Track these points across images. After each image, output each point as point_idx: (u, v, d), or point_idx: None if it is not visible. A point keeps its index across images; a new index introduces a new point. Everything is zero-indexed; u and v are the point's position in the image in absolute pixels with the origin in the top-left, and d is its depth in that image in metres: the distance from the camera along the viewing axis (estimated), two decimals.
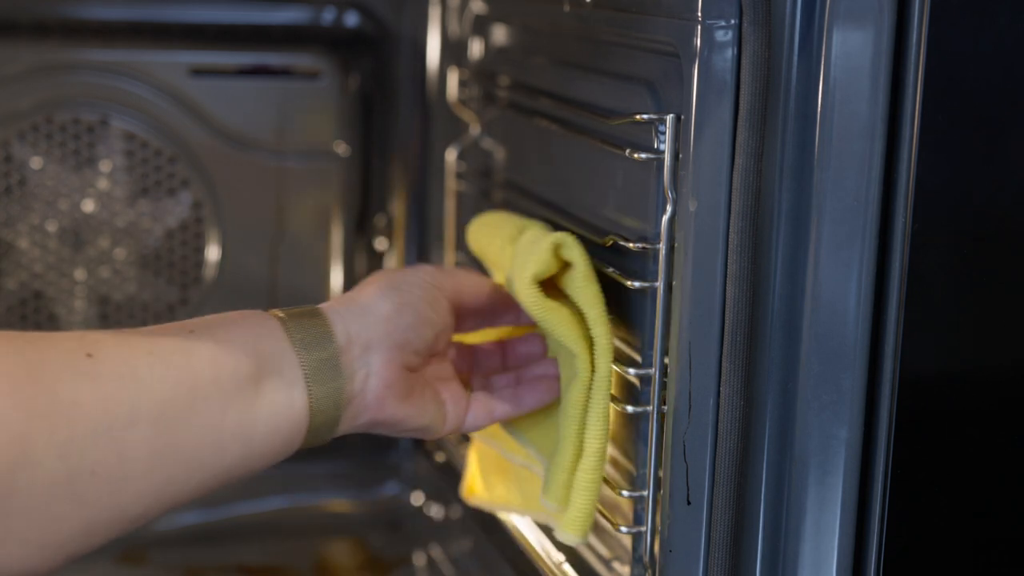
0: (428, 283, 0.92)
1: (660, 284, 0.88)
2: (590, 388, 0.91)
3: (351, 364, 0.87)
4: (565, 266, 0.94)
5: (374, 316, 0.89)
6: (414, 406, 0.91)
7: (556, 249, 0.92)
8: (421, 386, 0.92)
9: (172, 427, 0.80)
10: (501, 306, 0.98)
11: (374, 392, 0.88)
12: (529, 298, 0.91)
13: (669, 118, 0.86)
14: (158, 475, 0.79)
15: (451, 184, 1.32)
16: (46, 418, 0.75)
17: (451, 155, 1.31)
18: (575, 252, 0.92)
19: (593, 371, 0.91)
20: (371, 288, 0.91)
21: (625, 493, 0.93)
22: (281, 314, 0.88)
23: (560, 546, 1.11)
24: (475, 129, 1.28)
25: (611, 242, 0.94)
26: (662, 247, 0.87)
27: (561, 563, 1.09)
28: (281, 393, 0.84)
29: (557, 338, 0.92)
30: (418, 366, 0.92)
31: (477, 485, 1.11)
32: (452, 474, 1.39)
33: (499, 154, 1.25)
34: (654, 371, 0.89)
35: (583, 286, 0.92)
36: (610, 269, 0.94)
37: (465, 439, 1.27)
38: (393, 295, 0.90)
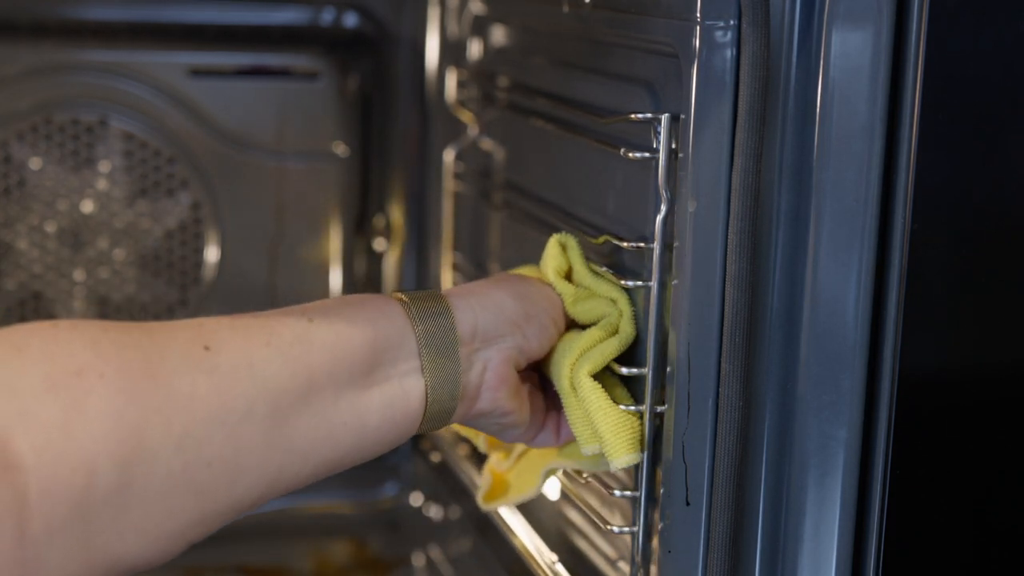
0: (554, 299, 0.94)
1: (654, 283, 0.88)
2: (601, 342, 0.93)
3: (470, 356, 0.88)
4: (571, 268, 0.97)
5: (504, 316, 0.90)
6: (520, 401, 0.92)
7: (561, 245, 0.97)
8: (522, 386, 0.94)
9: (287, 418, 0.80)
10: None
11: (489, 384, 0.89)
12: (557, 284, 0.95)
13: (664, 117, 0.86)
14: (272, 465, 0.80)
15: (449, 185, 1.32)
16: (162, 412, 0.75)
17: (449, 155, 1.30)
18: (575, 253, 0.96)
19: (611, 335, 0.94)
20: (503, 290, 0.92)
21: (616, 493, 0.93)
22: (404, 297, 0.88)
23: (553, 545, 1.11)
24: (473, 130, 1.28)
25: (603, 240, 0.95)
26: (656, 247, 0.88)
27: (553, 563, 1.09)
28: (395, 382, 0.85)
29: (584, 311, 0.94)
30: (521, 370, 0.94)
31: (500, 485, 1.10)
32: (450, 475, 1.39)
33: (498, 155, 1.25)
34: (648, 371, 0.89)
35: (591, 279, 0.95)
36: (603, 268, 0.95)
37: (462, 440, 1.27)
38: (524, 303, 0.92)
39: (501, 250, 1.26)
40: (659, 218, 0.87)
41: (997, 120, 0.78)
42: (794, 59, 0.78)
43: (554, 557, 1.09)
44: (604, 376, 0.93)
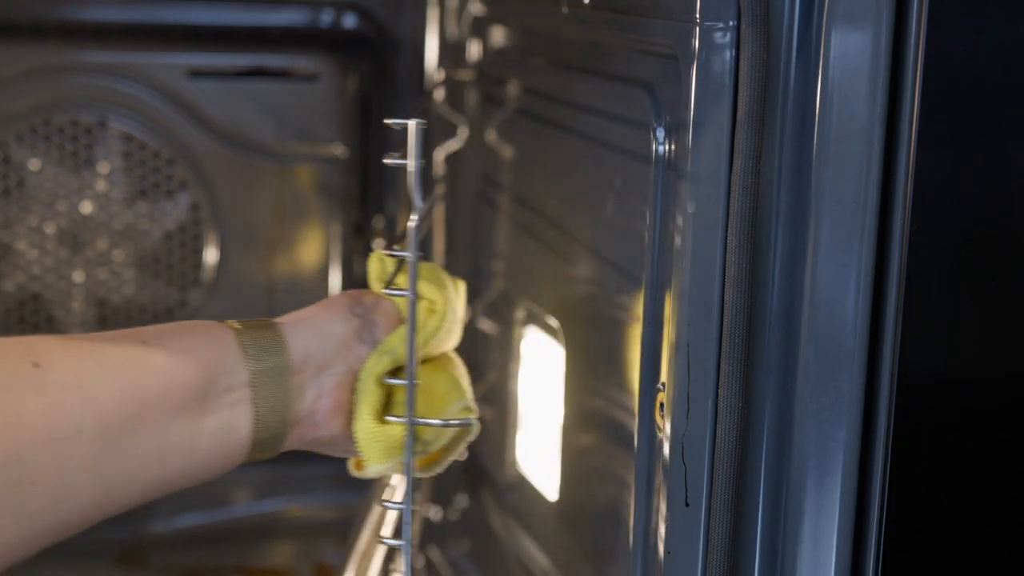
0: (389, 312, 0.91)
1: (411, 294, 0.87)
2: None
3: (303, 384, 0.87)
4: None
5: (335, 340, 0.88)
6: None
7: (381, 260, 0.94)
8: None
9: (117, 439, 0.78)
10: None
11: (324, 413, 0.88)
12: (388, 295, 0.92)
13: (414, 123, 0.84)
14: (99, 486, 0.78)
15: (439, 188, 1.32)
16: None
17: (439, 157, 1.30)
18: (392, 263, 0.94)
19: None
20: (333, 313, 0.90)
21: (388, 504, 0.92)
22: (237, 326, 0.86)
23: (552, 547, 1.11)
24: (464, 132, 1.27)
25: (376, 239, 0.93)
26: (411, 253, 0.87)
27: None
28: (227, 409, 0.83)
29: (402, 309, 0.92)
30: None
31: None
32: (449, 476, 1.39)
33: (496, 157, 1.25)
34: (408, 382, 0.87)
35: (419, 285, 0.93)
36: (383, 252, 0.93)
37: None
38: (355, 323, 0.89)
39: (499, 251, 1.26)
40: (410, 225, 0.86)
41: (996, 121, 0.78)
42: (793, 60, 0.78)
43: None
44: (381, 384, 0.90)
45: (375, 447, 0.88)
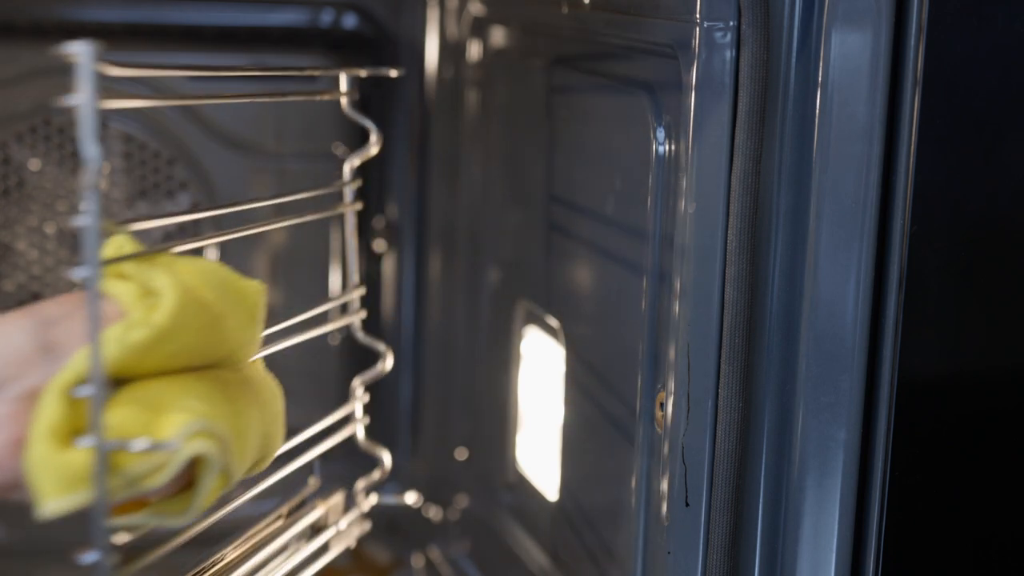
0: (105, 312, 0.74)
1: (90, 271, 0.72)
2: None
3: None
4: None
5: (7, 353, 0.69)
6: None
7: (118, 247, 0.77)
8: None
9: None
10: None
11: None
12: (112, 288, 0.77)
13: (83, 50, 0.69)
14: None
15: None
16: None
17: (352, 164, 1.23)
18: (132, 248, 0.77)
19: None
20: (17, 320, 0.71)
21: (83, 559, 0.74)
22: None
23: (547, 546, 1.11)
24: (375, 139, 1.22)
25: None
26: (89, 220, 0.71)
27: None
28: None
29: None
30: None
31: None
32: (450, 476, 1.39)
33: (490, 162, 1.25)
34: (94, 391, 0.69)
35: (147, 272, 0.76)
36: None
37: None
38: (43, 331, 0.71)
39: (498, 253, 1.26)
40: (87, 181, 0.70)
41: (996, 122, 0.78)
42: (793, 60, 0.79)
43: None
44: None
45: (46, 477, 0.66)
